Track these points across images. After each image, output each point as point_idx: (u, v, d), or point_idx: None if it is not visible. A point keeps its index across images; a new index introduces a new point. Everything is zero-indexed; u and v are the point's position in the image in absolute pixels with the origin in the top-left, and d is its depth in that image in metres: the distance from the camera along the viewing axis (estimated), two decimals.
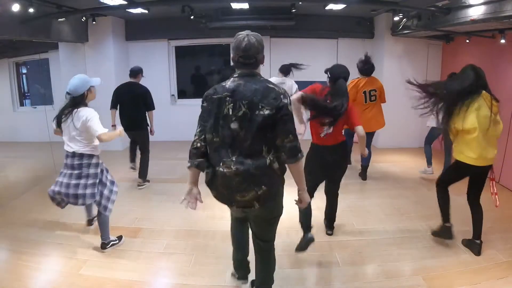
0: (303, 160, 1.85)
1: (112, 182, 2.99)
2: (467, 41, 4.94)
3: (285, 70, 4.90)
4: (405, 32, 5.38)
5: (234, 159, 1.77)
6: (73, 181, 2.74)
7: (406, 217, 3.50)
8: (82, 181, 2.75)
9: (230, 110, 1.76)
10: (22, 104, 6.82)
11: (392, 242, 3.06)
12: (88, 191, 2.75)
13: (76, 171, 2.77)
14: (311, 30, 6.36)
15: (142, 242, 3.12)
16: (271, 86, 1.78)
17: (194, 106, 6.76)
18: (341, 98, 2.62)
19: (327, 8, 5.18)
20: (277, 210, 2.03)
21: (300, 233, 2.93)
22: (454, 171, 2.92)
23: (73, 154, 2.80)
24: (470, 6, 3.67)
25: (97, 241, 3.11)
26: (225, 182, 1.81)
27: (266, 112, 1.72)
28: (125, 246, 3.04)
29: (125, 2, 4.43)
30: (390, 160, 5.57)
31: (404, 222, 3.41)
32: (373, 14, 6.03)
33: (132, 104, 4.29)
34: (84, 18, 5.42)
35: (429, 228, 3.26)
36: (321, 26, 6.30)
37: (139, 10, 4.77)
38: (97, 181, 2.81)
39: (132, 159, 4.73)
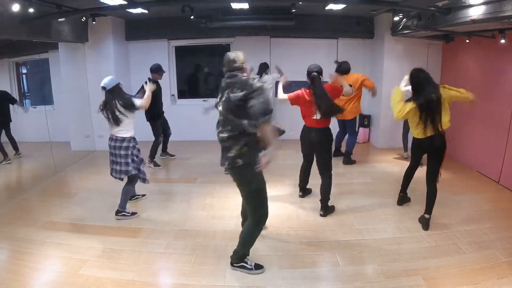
0: (270, 126, 2.31)
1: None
2: (467, 41, 4.94)
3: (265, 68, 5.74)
4: (405, 32, 5.38)
5: (221, 129, 2.45)
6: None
7: (406, 217, 3.50)
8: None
9: (220, 99, 2.45)
10: (22, 104, 6.81)
11: (392, 242, 3.06)
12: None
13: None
14: (311, 30, 6.35)
15: (142, 242, 3.12)
16: (243, 78, 2.39)
17: (194, 106, 6.83)
18: (323, 100, 3.32)
19: (327, 8, 5.17)
20: (248, 183, 2.48)
21: (298, 234, 2.93)
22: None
23: None
24: (470, 6, 3.67)
25: (97, 241, 3.12)
26: (220, 144, 2.49)
27: (239, 93, 2.31)
28: (125, 246, 3.04)
29: (125, 2, 4.43)
30: (390, 160, 5.57)
31: (404, 222, 3.41)
32: (373, 14, 6.03)
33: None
34: (84, 18, 5.41)
35: (429, 228, 3.27)
36: (321, 26, 6.29)
37: (139, 10, 4.76)
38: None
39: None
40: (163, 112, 5.38)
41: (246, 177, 2.46)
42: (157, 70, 5.04)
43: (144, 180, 3.62)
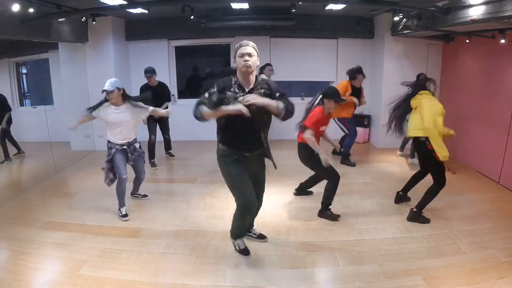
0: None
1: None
2: (467, 41, 4.95)
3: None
4: (405, 32, 5.38)
5: None
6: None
7: (406, 217, 3.49)
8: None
9: None
10: (22, 104, 6.82)
11: (392, 242, 3.05)
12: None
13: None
14: (311, 30, 6.35)
15: (142, 242, 3.12)
16: None
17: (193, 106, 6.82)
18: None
19: (327, 8, 5.18)
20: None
21: (298, 234, 2.96)
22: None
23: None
24: (470, 6, 3.67)
25: (97, 241, 3.12)
26: None
27: None
28: (125, 246, 3.04)
29: (125, 2, 4.43)
30: (390, 160, 5.58)
31: (404, 222, 3.40)
32: (373, 14, 6.03)
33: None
34: (84, 18, 5.41)
35: (429, 228, 3.27)
36: (321, 26, 6.29)
37: (139, 10, 4.77)
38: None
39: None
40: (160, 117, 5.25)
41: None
42: (144, 73, 5.01)
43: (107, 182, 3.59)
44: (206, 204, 3.92)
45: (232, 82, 2.38)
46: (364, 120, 6.61)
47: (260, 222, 3.17)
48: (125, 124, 3.47)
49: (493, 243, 2.98)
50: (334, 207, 3.60)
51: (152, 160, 5.28)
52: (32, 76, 7.18)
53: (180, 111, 6.68)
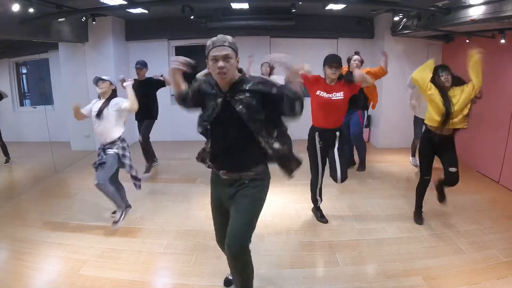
0: None
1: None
2: (467, 41, 4.94)
3: None
4: (405, 32, 5.38)
5: None
6: None
7: (406, 217, 3.49)
8: None
9: None
10: (22, 104, 6.82)
11: (392, 242, 3.06)
12: None
13: None
14: (311, 30, 6.35)
15: (142, 242, 3.12)
16: None
17: None
18: None
19: (327, 8, 5.18)
20: None
21: (298, 234, 2.93)
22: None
23: None
24: (470, 6, 3.67)
25: (97, 241, 3.12)
26: None
27: None
28: (125, 246, 3.04)
29: (125, 2, 4.44)
30: (390, 160, 5.57)
31: (404, 222, 3.40)
32: (373, 14, 6.03)
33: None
34: (84, 18, 5.42)
35: (429, 228, 3.27)
36: (321, 26, 6.29)
37: (139, 10, 4.77)
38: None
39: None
40: (146, 116, 4.78)
41: None
42: (135, 64, 4.68)
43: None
44: (206, 204, 3.87)
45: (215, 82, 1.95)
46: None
47: (261, 222, 3.14)
48: (103, 122, 3.30)
49: (493, 243, 2.98)
50: (334, 208, 3.61)
51: (146, 165, 4.94)
52: (32, 76, 7.17)
53: (179, 111, 6.70)
